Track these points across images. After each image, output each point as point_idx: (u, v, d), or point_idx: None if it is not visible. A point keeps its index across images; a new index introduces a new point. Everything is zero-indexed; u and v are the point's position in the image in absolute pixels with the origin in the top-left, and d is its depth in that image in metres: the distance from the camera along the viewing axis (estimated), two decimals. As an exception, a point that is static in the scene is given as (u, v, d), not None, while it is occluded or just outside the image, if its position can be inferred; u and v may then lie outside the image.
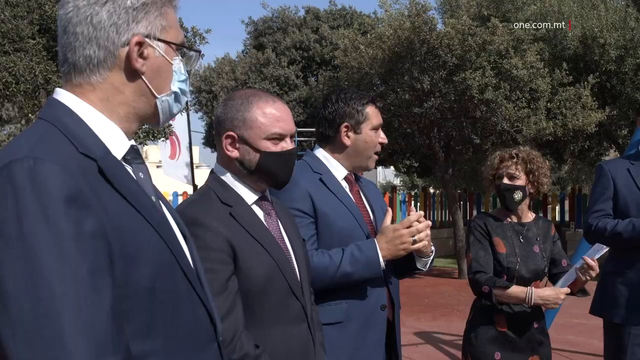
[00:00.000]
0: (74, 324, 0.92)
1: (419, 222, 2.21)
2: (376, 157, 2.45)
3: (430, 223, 2.25)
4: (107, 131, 1.14)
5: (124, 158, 1.17)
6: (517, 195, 2.88)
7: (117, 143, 1.15)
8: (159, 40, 1.19)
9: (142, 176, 1.20)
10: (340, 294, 2.21)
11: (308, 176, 2.29)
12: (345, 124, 2.39)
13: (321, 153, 2.44)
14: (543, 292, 2.76)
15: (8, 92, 7.83)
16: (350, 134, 2.39)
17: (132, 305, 1.03)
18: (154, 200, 1.19)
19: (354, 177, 2.48)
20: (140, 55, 1.16)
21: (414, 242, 2.19)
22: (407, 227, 2.19)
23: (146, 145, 10.00)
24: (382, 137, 2.43)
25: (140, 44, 1.16)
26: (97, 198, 1.01)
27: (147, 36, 1.17)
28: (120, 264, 1.01)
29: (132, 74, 1.17)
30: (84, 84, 1.16)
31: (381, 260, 2.18)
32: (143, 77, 1.18)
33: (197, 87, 17.70)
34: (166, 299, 1.09)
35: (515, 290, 2.76)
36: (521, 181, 2.88)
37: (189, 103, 13.11)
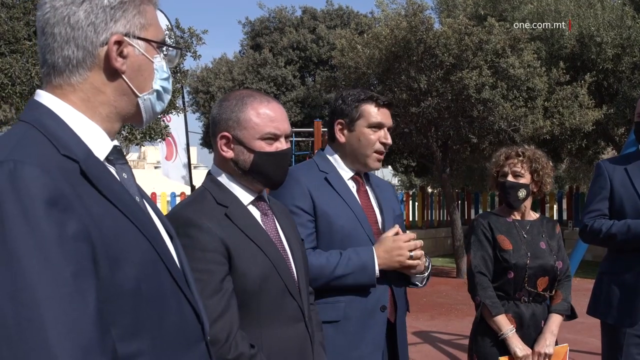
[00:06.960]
0: (59, 328, 0.90)
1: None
2: (378, 156, 2.37)
3: (421, 243, 2.27)
4: (89, 132, 1.13)
5: (107, 159, 1.16)
6: (521, 194, 2.88)
7: (100, 144, 1.14)
8: (139, 38, 1.18)
9: (125, 176, 1.19)
10: (340, 292, 2.19)
11: (312, 175, 2.29)
12: (339, 121, 2.37)
13: (329, 152, 2.44)
14: (516, 343, 2.73)
15: (4, 94, 7.80)
16: (345, 131, 2.37)
17: (117, 306, 1.02)
18: (138, 200, 1.19)
19: (365, 178, 2.47)
20: (120, 54, 1.15)
21: (411, 257, 2.21)
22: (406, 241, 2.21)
23: (143, 146, 9.97)
24: (383, 136, 2.36)
25: (119, 43, 1.14)
26: (79, 200, 0.99)
27: (126, 35, 1.15)
28: (105, 265, 1.00)
29: (113, 73, 1.15)
30: (64, 85, 1.14)
31: (377, 267, 2.18)
32: (123, 76, 1.16)
33: (194, 87, 17.69)
34: (152, 299, 1.08)
35: (499, 320, 2.76)
36: (525, 180, 2.88)
37: (186, 104, 13.08)
